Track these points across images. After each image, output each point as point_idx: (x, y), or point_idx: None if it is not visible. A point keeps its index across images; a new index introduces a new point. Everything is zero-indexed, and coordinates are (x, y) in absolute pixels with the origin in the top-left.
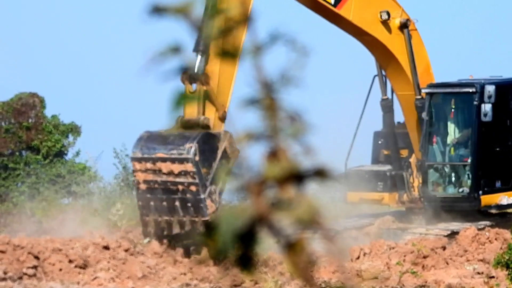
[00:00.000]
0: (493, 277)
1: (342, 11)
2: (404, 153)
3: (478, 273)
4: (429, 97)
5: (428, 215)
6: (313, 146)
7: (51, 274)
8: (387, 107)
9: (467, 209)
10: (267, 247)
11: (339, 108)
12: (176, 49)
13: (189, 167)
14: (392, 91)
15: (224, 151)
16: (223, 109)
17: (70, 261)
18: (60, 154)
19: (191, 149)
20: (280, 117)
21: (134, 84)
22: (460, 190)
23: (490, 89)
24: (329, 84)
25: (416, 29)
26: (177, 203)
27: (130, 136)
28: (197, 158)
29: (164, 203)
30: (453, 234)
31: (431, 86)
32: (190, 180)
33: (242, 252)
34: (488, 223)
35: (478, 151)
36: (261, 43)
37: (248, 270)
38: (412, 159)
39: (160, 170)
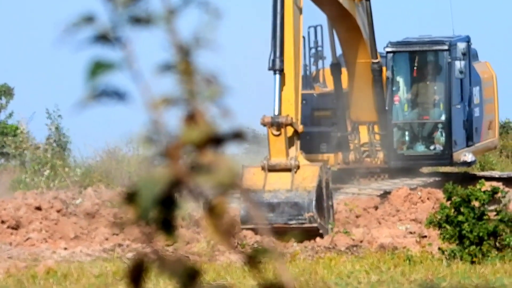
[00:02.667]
0: (425, 236)
1: None
2: (328, 115)
3: (411, 232)
4: (392, 55)
5: (387, 172)
6: (231, 109)
7: None
8: (336, 71)
9: (440, 166)
10: (199, 208)
11: (260, 68)
12: (89, 19)
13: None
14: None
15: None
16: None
17: (2, 222)
18: None
19: (313, 217)
20: (196, 81)
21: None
22: (432, 147)
23: (462, 46)
24: (248, 45)
25: None
26: None
27: (62, 96)
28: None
29: None
30: (385, 194)
31: (395, 44)
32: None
33: (163, 216)
34: (420, 182)
35: (450, 109)
36: (174, 6)
37: (169, 234)
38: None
39: None
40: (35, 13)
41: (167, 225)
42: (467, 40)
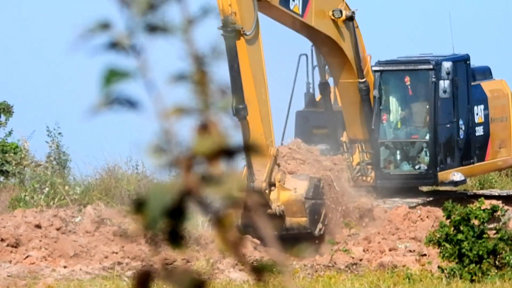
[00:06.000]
0: (425, 254)
1: (307, 18)
2: (324, 132)
3: (410, 251)
4: (379, 74)
5: (378, 193)
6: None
7: None
8: (324, 90)
9: (424, 185)
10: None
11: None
12: (105, 26)
13: None
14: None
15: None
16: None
17: (2, 240)
18: None
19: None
20: (210, 91)
21: (65, 62)
22: (417, 167)
23: (447, 65)
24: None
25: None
26: None
27: (62, 114)
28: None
29: None
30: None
31: (382, 63)
32: None
33: (171, 228)
34: (420, 201)
35: (436, 128)
36: (192, 16)
37: (177, 246)
38: (344, 138)
39: None
40: (34, 31)
41: (175, 236)
42: (464, 58)
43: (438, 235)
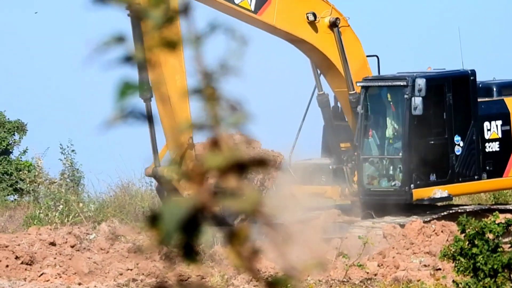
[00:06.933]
0: (439, 269)
1: (263, 16)
2: (346, 146)
3: (425, 265)
4: (364, 90)
5: (365, 209)
6: (255, 136)
7: None
8: (323, 102)
9: (399, 202)
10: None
11: (284, 98)
12: (119, 39)
13: None
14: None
15: None
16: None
17: (17, 258)
18: (6, 152)
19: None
20: (221, 107)
21: (78, 78)
22: (393, 183)
23: (420, 82)
24: (273, 74)
25: (348, 26)
26: None
27: (76, 132)
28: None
29: None
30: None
31: (366, 79)
32: None
33: (186, 242)
34: (434, 216)
35: (408, 145)
36: (201, 32)
37: (192, 261)
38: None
39: None
40: (47, 47)
41: (189, 251)
42: (465, 74)
43: (453, 249)
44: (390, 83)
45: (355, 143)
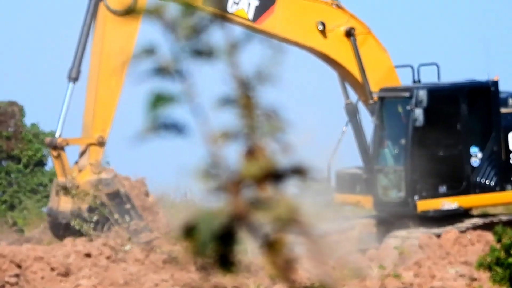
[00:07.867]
0: (475, 279)
1: (264, 25)
2: None
3: (461, 275)
4: (380, 101)
5: (395, 219)
6: (291, 144)
7: (33, 283)
8: (350, 111)
9: (404, 214)
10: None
11: (323, 106)
12: (150, 51)
13: None
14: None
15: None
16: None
17: (52, 269)
18: (41, 163)
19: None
20: (256, 115)
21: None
22: (399, 195)
23: (421, 94)
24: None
25: (370, 33)
26: None
27: (109, 142)
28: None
29: None
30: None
31: (382, 90)
32: None
33: (222, 252)
34: (470, 225)
35: (411, 156)
36: (237, 40)
37: (228, 271)
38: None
39: None
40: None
41: (225, 261)
42: (484, 85)
43: (489, 259)
44: (396, 94)
45: (370, 153)
